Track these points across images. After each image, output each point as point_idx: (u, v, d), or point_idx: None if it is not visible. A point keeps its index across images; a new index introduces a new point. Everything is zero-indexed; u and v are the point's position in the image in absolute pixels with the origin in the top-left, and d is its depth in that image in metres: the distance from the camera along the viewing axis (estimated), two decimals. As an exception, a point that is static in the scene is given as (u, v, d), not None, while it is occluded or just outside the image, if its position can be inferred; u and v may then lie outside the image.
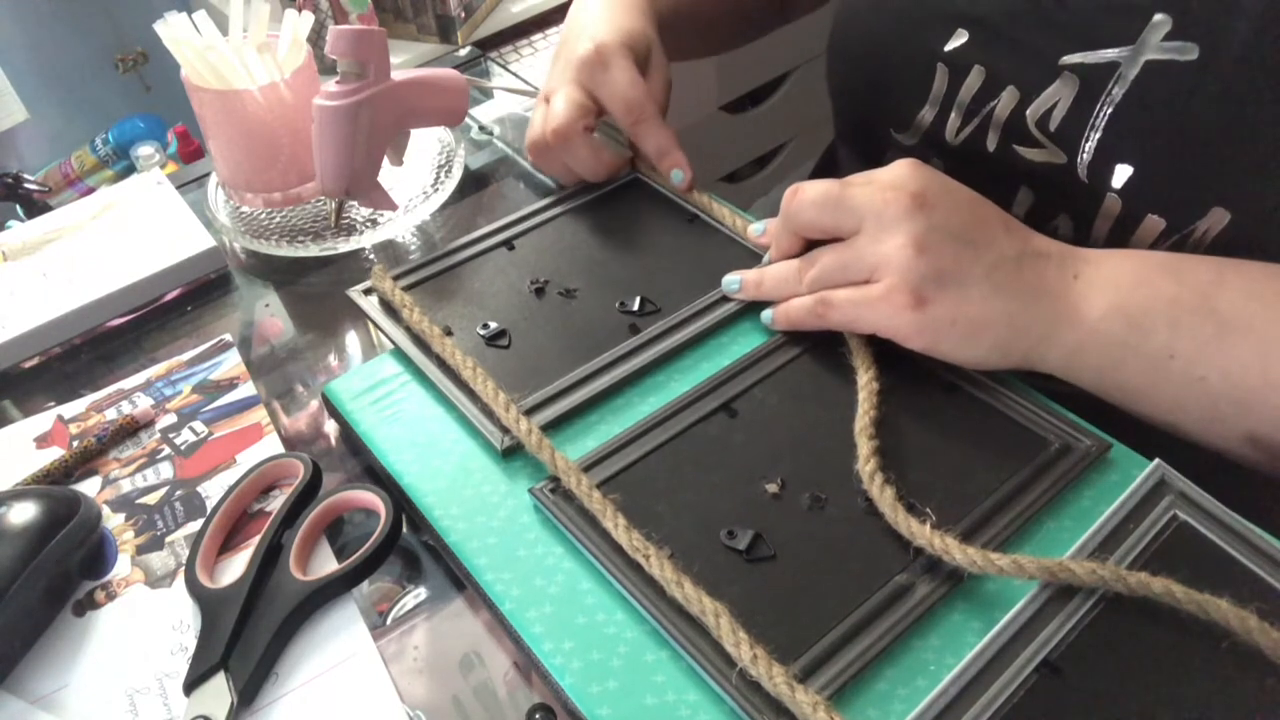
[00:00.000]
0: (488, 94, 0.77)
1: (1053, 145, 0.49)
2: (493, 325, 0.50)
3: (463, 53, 0.83)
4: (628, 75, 0.55)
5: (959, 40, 0.52)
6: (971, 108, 0.52)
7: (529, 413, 0.45)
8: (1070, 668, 0.34)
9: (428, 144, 0.70)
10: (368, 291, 0.53)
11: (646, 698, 0.36)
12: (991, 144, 0.52)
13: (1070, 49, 0.47)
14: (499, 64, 0.82)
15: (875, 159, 0.61)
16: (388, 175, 0.67)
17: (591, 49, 0.55)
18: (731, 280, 0.50)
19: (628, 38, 0.56)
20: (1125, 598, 0.36)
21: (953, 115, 0.53)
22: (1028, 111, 0.50)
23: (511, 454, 0.44)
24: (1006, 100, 0.50)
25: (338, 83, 0.56)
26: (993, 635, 0.35)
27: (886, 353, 0.46)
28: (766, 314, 0.48)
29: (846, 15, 0.60)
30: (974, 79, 0.51)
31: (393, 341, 0.50)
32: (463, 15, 1.20)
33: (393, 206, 0.61)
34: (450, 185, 0.66)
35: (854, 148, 0.67)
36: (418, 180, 0.67)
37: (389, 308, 0.51)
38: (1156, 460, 0.40)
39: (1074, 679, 0.34)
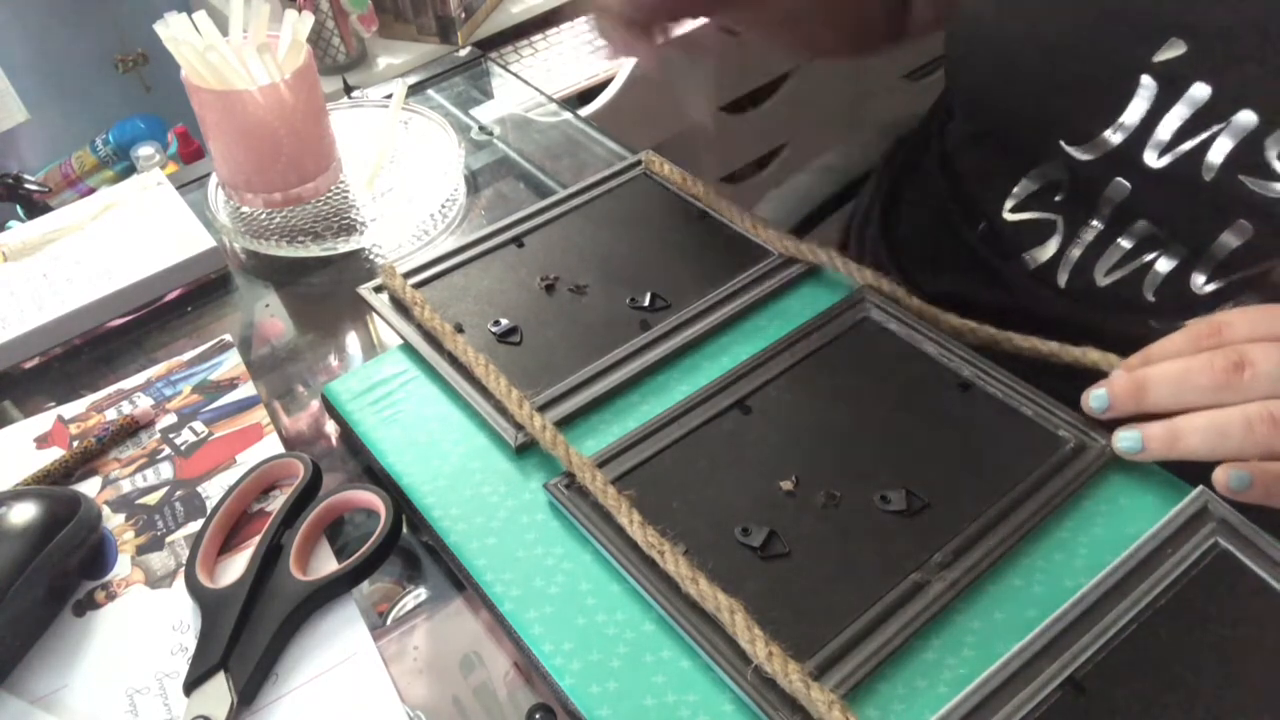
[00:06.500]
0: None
1: None
2: (504, 322, 0.50)
3: (463, 53, 0.83)
4: None
5: (1174, 51, 0.45)
6: (1186, 128, 0.45)
7: (542, 409, 0.45)
8: (1095, 687, 0.34)
9: (428, 144, 0.70)
10: (378, 289, 0.53)
11: (646, 698, 0.36)
12: (1209, 173, 0.45)
13: None
14: (499, 64, 0.82)
15: (1020, 170, 0.54)
16: (388, 177, 0.67)
17: None
18: (1098, 397, 0.40)
19: None
20: (1160, 618, 0.35)
21: (1157, 134, 0.46)
22: (1269, 139, 0.43)
23: (520, 452, 0.45)
24: (1240, 125, 0.44)
25: None
26: (1020, 647, 0.34)
27: (896, 351, 0.46)
28: (1132, 436, 0.39)
29: (1005, 6, 0.52)
30: (1194, 97, 0.45)
31: (404, 339, 0.50)
32: (463, 15, 1.20)
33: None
34: (451, 186, 0.66)
35: (989, 154, 0.58)
36: (418, 181, 0.67)
37: (399, 305, 0.52)
38: (1200, 487, 0.39)
39: (1098, 700, 0.34)
